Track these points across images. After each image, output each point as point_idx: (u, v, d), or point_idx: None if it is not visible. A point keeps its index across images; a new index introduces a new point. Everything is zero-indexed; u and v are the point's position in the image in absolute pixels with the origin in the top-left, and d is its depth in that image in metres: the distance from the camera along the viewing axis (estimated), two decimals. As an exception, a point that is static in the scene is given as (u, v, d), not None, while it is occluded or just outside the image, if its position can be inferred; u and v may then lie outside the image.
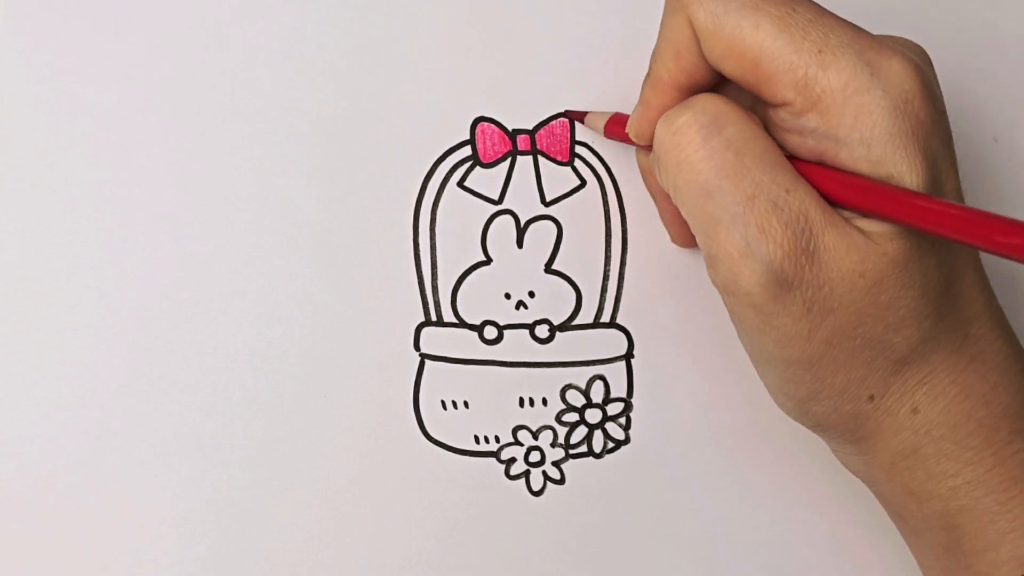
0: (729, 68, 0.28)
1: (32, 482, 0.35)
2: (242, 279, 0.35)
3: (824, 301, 0.27)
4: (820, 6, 0.28)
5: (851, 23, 0.28)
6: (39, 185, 0.35)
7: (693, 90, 0.30)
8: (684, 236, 0.35)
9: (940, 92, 0.29)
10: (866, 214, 0.27)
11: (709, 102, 0.28)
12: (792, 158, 0.28)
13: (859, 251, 0.27)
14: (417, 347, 0.36)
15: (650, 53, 0.30)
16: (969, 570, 0.30)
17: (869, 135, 0.27)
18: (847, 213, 0.27)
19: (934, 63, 0.30)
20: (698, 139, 0.27)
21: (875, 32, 0.29)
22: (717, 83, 0.30)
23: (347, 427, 0.35)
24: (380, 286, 0.35)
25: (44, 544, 0.35)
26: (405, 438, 0.36)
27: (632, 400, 0.36)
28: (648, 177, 0.34)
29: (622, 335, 0.36)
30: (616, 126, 0.34)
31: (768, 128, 0.29)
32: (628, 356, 0.36)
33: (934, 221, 0.25)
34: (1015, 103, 0.37)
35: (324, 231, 0.35)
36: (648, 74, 0.30)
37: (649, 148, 0.31)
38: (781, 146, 0.29)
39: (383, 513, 0.36)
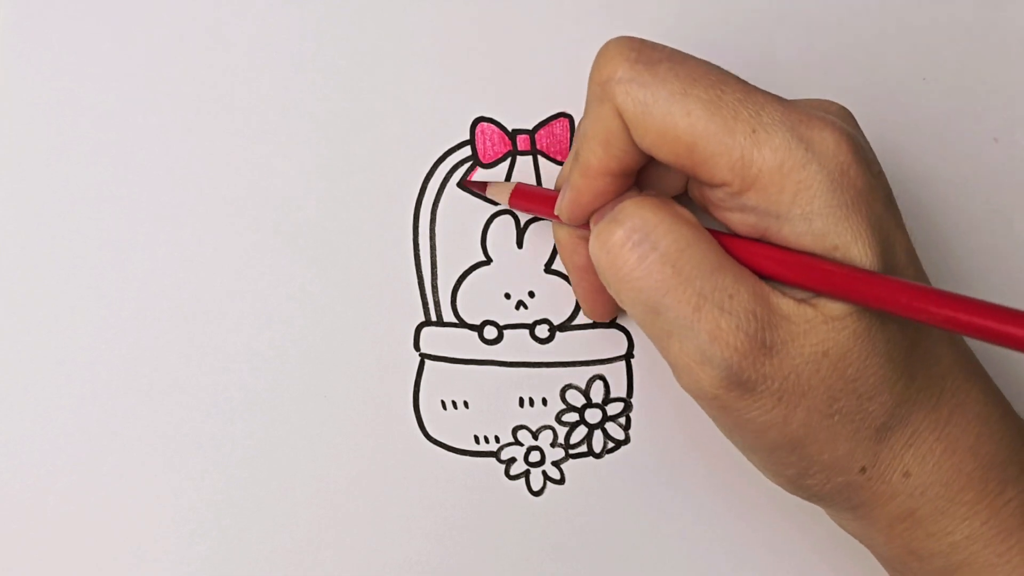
0: (663, 154, 0.28)
1: (32, 482, 0.35)
2: (242, 279, 0.35)
3: (792, 388, 0.27)
4: (747, 84, 0.28)
5: (778, 97, 0.28)
6: (39, 185, 0.35)
7: (624, 174, 0.29)
8: (597, 311, 0.35)
9: (872, 152, 0.29)
10: (817, 293, 0.27)
11: (637, 215, 0.28)
12: (738, 238, 0.28)
13: (818, 332, 0.27)
14: (417, 347, 0.36)
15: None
16: None
17: (810, 209, 0.27)
18: (801, 293, 0.27)
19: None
20: (633, 259, 0.27)
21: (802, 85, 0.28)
22: (647, 165, 0.30)
23: (347, 427, 0.35)
24: (380, 286, 0.35)
25: (44, 544, 0.35)
26: (405, 438, 0.36)
27: (632, 400, 0.36)
28: (564, 252, 0.34)
29: (622, 335, 0.36)
30: (523, 200, 0.34)
31: (707, 207, 0.29)
32: (628, 356, 0.36)
33: (881, 298, 0.25)
34: (1015, 103, 0.37)
35: (324, 231, 0.35)
36: (576, 160, 0.30)
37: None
38: (724, 223, 0.29)
39: (383, 513, 0.36)
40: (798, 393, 0.27)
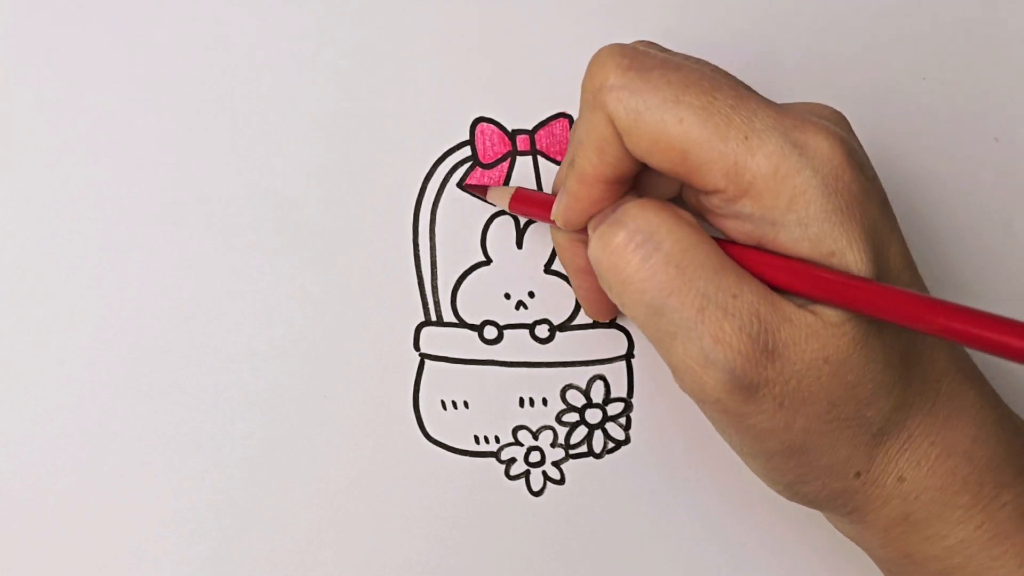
0: (656, 161, 0.28)
1: (32, 482, 0.35)
2: (242, 279, 0.35)
3: (794, 393, 0.27)
4: (740, 88, 0.28)
5: (771, 102, 0.28)
6: (39, 185, 0.35)
7: (620, 180, 0.29)
8: (599, 311, 0.35)
9: (866, 157, 0.29)
10: (815, 301, 0.27)
11: (640, 217, 0.28)
12: (735, 244, 0.28)
13: (819, 338, 0.27)
14: (417, 347, 0.36)
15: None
16: None
17: (805, 215, 0.27)
18: (799, 300, 0.27)
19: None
20: (636, 259, 0.27)
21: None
22: (642, 170, 0.30)
23: (347, 427, 0.35)
24: (380, 286, 0.35)
25: (44, 544, 0.35)
26: (405, 438, 0.36)
27: (632, 400, 0.36)
28: (563, 255, 0.34)
29: (622, 335, 0.36)
30: (522, 204, 0.34)
31: (703, 214, 0.29)
32: (628, 356, 0.36)
33: (877, 307, 0.25)
34: (1015, 103, 0.37)
35: (324, 231, 0.35)
36: (572, 166, 0.30)
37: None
38: (720, 230, 0.29)
39: (383, 513, 0.36)
40: (798, 399, 0.27)
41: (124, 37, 0.35)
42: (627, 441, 0.36)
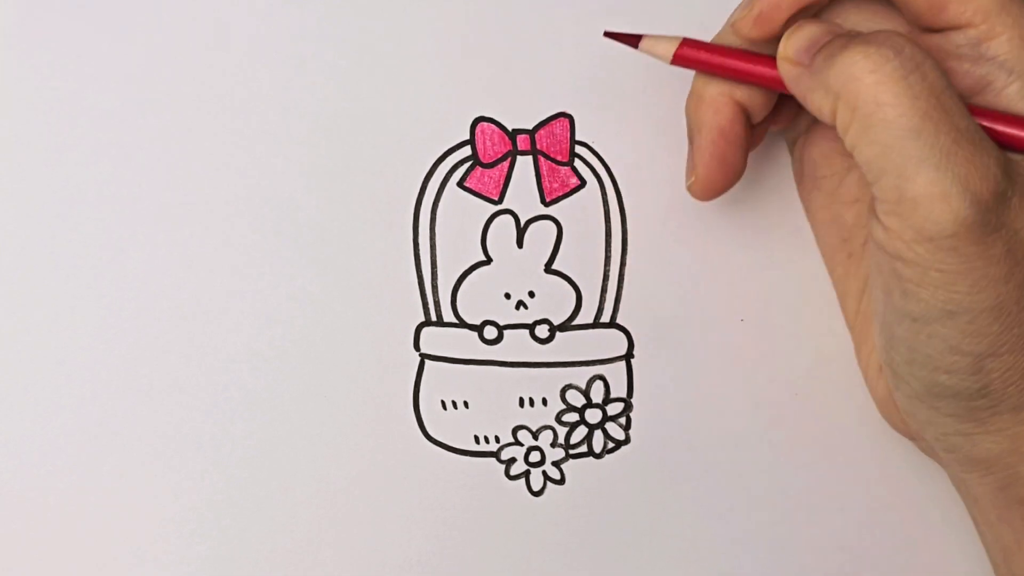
0: None
1: (32, 482, 0.35)
2: (242, 279, 0.35)
3: (1020, 245, 0.27)
4: None
5: None
6: (39, 185, 0.35)
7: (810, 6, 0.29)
8: (714, 181, 0.32)
9: None
10: None
11: (911, 47, 0.28)
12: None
13: None
14: (417, 347, 0.36)
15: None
16: None
17: None
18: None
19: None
20: (905, 83, 0.27)
21: None
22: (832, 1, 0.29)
23: (347, 427, 0.35)
24: (380, 286, 0.35)
25: (44, 544, 0.35)
26: (405, 438, 0.36)
27: (632, 400, 0.36)
28: (706, 110, 0.32)
29: (622, 335, 0.36)
30: (692, 51, 0.31)
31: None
32: (628, 356, 0.36)
33: None
34: (1015, 103, 0.37)
35: (324, 231, 0.35)
36: None
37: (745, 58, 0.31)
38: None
39: (383, 513, 0.36)
40: (1022, 251, 0.27)
41: (124, 37, 0.35)
42: (627, 441, 0.36)
